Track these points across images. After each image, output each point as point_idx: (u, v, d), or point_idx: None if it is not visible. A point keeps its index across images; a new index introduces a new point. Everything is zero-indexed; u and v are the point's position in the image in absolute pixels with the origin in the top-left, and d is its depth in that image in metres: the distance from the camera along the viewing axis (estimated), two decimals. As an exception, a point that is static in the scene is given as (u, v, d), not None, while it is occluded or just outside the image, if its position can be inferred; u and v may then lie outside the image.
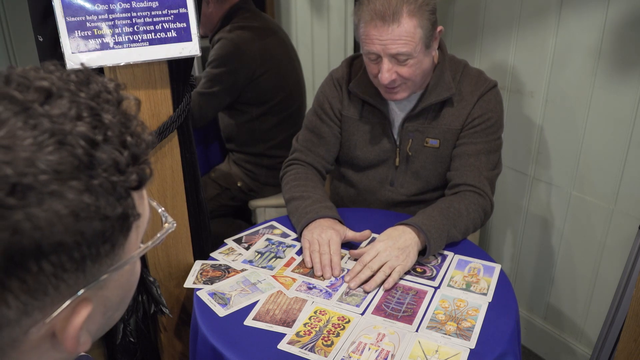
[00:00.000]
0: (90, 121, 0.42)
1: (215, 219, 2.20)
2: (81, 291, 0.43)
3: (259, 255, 1.33)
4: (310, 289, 1.20)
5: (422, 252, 1.27)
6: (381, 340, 1.04)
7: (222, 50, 2.00)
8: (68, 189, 0.39)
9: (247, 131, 2.14)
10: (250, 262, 1.30)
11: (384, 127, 1.51)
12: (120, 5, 1.08)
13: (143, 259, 1.35)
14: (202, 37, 2.22)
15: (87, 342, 0.47)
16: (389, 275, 1.20)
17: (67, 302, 0.43)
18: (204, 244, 1.49)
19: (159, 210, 0.55)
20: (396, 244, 1.23)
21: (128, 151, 0.44)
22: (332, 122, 1.54)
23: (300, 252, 1.33)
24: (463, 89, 1.45)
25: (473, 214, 1.37)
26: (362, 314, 1.12)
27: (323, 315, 1.12)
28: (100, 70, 1.16)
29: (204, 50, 2.40)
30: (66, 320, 0.43)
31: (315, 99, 1.59)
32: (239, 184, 2.19)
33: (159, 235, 0.52)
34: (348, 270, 1.26)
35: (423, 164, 1.50)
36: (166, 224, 0.54)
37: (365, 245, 1.33)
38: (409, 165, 1.51)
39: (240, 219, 2.36)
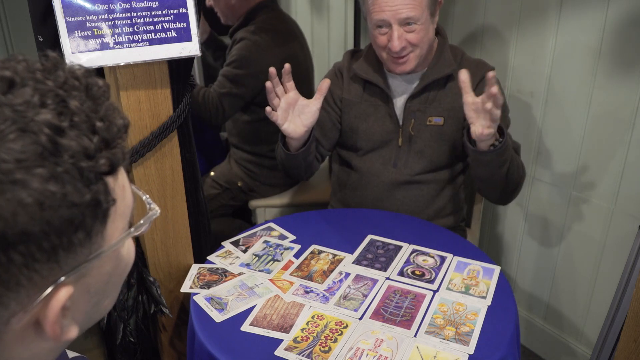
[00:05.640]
0: (54, 108, 0.41)
1: (215, 219, 2.20)
2: (60, 280, 0.43)
3: (256, 258, 1.32)
4: (307, 292, 1.20)
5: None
6: (379, 346, 1.04)
7: (245, 51, 1.98)
8: (32, 177, 0.39)
9: (252, 130, 2.13)
10: (248, 265, 1.30)
11: (386, 108, 1.54)
12: (120, 5, 1.08)
13: (143, 259, 1.35)
14: (224, 25, 2.21)
15: (73, 330, 0.46)
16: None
17: (46, 292, 0.42)
18: (204, 244, 1.49)
19: (143, 197, 0.54)
20: None
21: (98, 136, 0.43)
22: (330, 109, 1.58)
23: (297, 255, 1.33)
24: None
25: (518, 160, 1.45)
26: (360, 318, 1.12)
27: (321, 320, 1.11)
28: (100, 70, 1.16)
29: (205, 50, 2.39)
30: (46, 306, 0.43)
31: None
32: (239, 184, 2.18)
33: (141, 221, 0.51)
34: (347, 274, 1.26)
35: (426, 143, 1.52)
36: (150, 211, 0.53)
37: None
38: (411, 145, 1.53)
39: (240, 218, 2.36)
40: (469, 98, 1.28)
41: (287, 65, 1.35)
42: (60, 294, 0.43)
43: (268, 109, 1.36)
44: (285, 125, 1.38)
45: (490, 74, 1.22)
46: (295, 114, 1.39)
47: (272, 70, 1.33)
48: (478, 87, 1.48)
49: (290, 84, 1.38)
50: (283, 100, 1.37)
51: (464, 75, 1.28)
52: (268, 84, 1.34)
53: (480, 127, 1.28)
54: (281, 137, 1.47)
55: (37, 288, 0.42)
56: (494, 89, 1.20)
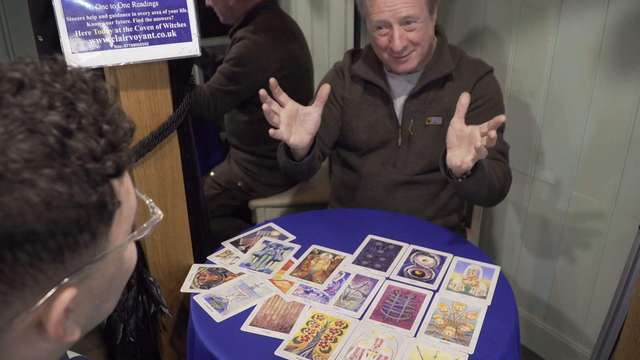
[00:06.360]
0: (63, 110, 0.42)
1: (215, 219, 2.20)
2: (64, 281, 0.43)
3: (256, 258, 1.32)
4: (307, 292, 1.20)
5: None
6: (379, 346, 1.04)
7: (244, 50, 1.98)
8: (40, 177, 0.39)
9: (252, 130, 2.13)
10: (248, 265, 1.30)
11: (386, 108, 1.54)
12: (120, 5, 1.08)
13: (143, 259, 1.35)
14: (223, 24, 2.20)
15: (75, 332, 0.47)
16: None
17: (50, 293, 0.42)
18: (204, 244, 1.49)
19: (147, 201, 0.55)
20: None
21: (104, 139, 0.44)
22: (332, 105, 1.58)
23: (298, 255, 1.33)
24: (462, 71, 1.51)
25: (499, 172, 1.42)
26: (360, 318, 1.12)
27: (321, 320, 1.11)
28: (100, 70, 1.16)
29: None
30: (49, 307, 0.43)
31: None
32: (239, 184, 2.18)
33: (145, 225, 0.52)
34: (347, 274, 1.26)
35: (426, 143, 1.52)
36: (153, 215, 0.54)
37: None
38: (411, 145, 1.53)
39: (240, 218, 2.36)
40: (458, 124, 1.23)
41: (272, 80, 1.29)
42: (64, 296, 0.43)
43: (272, 131, 1.29)
44: (291, 139, 1.33)
45: (502, 117, 1.16)
46: (298, 123, 1.35)
47: (263, 92, 1.26)
48: (476, 86, 1.49)
49: (283, 96, 1.32)
50: (282, 114, 1.31)
51: (464, 99, 1.24)
52: (265, 106, 1.27)
53: (458, 158, 1.21)
54: (284, 146, 1.45)
55: (42, 288, 0.42)
56: (493, 133, 1.15)
